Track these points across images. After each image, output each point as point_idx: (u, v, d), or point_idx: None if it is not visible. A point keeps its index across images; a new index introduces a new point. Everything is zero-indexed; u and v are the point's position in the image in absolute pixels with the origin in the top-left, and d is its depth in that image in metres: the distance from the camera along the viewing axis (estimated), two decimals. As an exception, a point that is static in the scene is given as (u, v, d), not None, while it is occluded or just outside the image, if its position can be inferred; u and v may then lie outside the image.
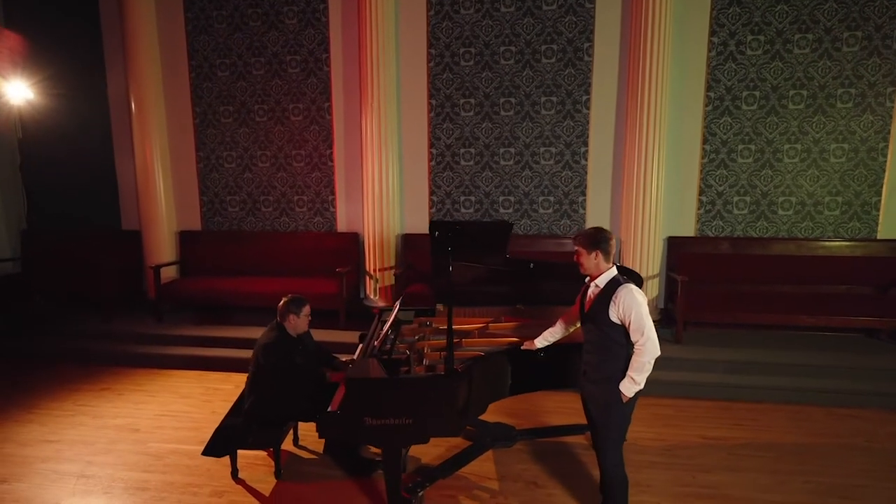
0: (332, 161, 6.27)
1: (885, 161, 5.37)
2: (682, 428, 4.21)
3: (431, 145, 6.06)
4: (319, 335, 5.11)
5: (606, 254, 2.75)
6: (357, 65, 5.90)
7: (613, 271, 2.78)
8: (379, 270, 6.10)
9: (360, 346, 4.16)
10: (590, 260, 2.77)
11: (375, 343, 3.36)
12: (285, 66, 6.19)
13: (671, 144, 5.53)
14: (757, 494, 3.38)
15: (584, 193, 5.89)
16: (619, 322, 2.69)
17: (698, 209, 5.73)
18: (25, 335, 6.07)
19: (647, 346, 2.62)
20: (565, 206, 5.94)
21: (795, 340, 5.37)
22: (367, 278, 6.17)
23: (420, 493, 3.22)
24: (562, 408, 4.55)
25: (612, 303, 2.68)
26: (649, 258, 5.58)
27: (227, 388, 5.03)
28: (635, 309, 2.62)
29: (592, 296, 2.81)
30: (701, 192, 5.69)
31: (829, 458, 3.80)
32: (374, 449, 3.75)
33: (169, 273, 6.42)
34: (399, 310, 3.58)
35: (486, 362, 3.17)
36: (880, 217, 5.46)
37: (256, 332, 5.66)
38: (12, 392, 4.94)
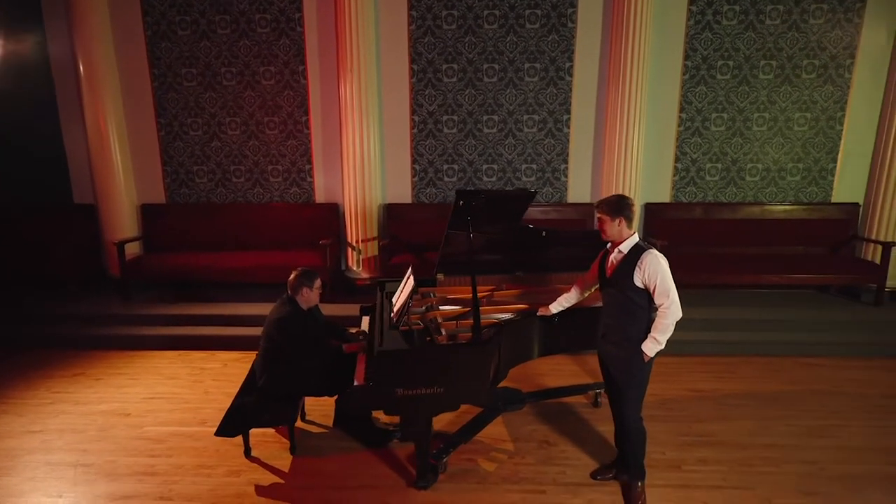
0: (308, 129, 6.01)
1: (842, 129, 5.77)
2: (672, 383, 4.48)
3: (413, 112, 5.92)
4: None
5: (629, 220, 2.83)
6: (333, 26, 5.61)
7: (636, 238, 2.87)
8: (361, 241, 5.99)
9: (365, 318, 4.14)
10: (613, 226, 2.84)
11: (393, 315, 3.32)
12: (254, 25, 5.80)
13: (650, 113, 5.68)
14: (747, 439, 3.68)
15: (566, 161, 5.97)
16: (642, 286, 2.79)
17: (674, 176, 5.96)
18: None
19: (672, 309, 2.74)
20: (548, 173, 6.01)
21: (760, 298, 5.77)
22: (349, 250, 6.04)
23: (444, 459, 3.28)
24: (555, 371, 4.72)
25: (637, 268, 2.77)
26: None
27: (214, 368, 4.86)
28: (660, 274, 2.73)
29: (615, 262, 2.89)
30: (676, 160, 5.91)
31: (802, 402, 4.17)
32: (385, 419, 3.77)
33: (132, 249, 6.01)
34: (411, 280, 3.53)
35: (512, 328, 3.22)
36: (835, 182, 5.89)
37: (239, 309, 5.53)
38: (-26, 382, 4.55)
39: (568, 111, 5.85)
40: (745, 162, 5.89)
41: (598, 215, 2.88)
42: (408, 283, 3.50)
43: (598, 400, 4.10)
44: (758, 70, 5.67)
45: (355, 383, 3.00)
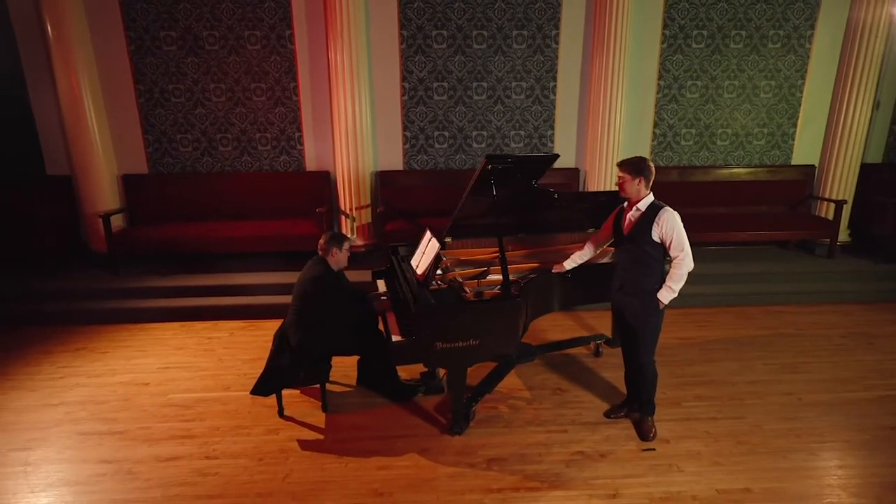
0: (296, 95, 5.94)
1: (802, 97, 6.25)
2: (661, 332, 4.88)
3: (404, 79, 5.95)
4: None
5: (648, 180, 3.09)
6: (320, -11, 5.52)
7: (651, 196, 3.14)
8: (355, 209, 6.05)
9: (380, 281, 4.27)
10: (633, 185, 3.09)
11: (420, 276, 3.48)
12: (236, -14, 5.61)
13: (631, 80, 5.96)
14: (732, 377, 4.13)
15: (552, 127, 6.20)
16: (658, 241, 3.08)
17: (652, 141, 6.30)
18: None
19: (686, 261, 3.06)
20: (535, 139, 6.22)
21: (727, 254, 6.29)
22: (342, 218, 6.10)
23: (473, 408, 3.53)
24: (554, 326, 5.05)
25: (655, 224, 3.05)
26: (610, 187, 6.10)
27: (221, 336, 4.89)
28: (676, 229, 3.02)
29: (633, 219, 3.16)
30: (655, 125, 6.25)
31: (774, 344, 4.69)
32: (404, 375, 3.98)
33: (115, 222, 5.81)
34: (434, 241, 3.66)
35: (536, 284, 3.46)
36: (795, 146, 6.41)
37: (238, 279, 5.55)
38: (-30, 361, 4.41)
39: (554, 78, 6.04)
40: (716, 127, 6.30)
41: (620, 174, 3.12)
42: (430, 245, 3.65)
43: (600, 350, 4.46)
44: (729, 39, 6.02)
45: (393, 339, 3.17)
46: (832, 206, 6.10)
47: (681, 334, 4.87)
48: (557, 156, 3.45)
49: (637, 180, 3.08)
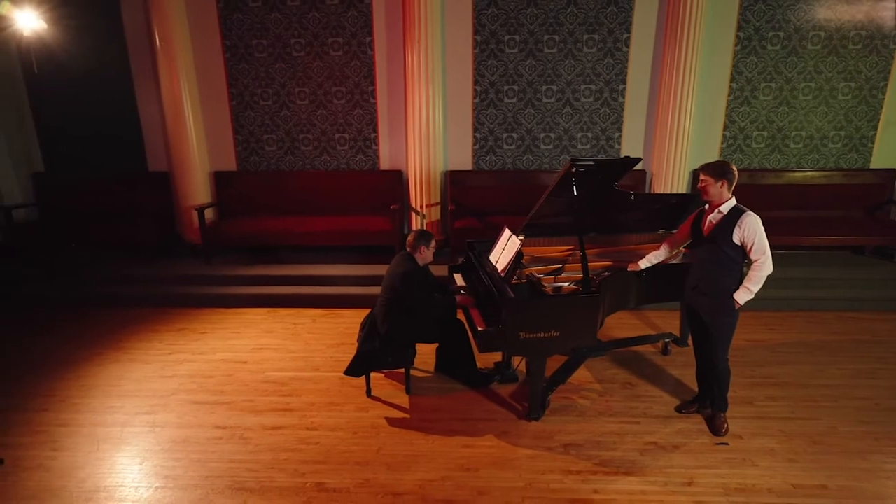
0: (374, 98, 6.29)
1: (884, 98, 6.07)
2: None
3: (475, 82, 6.19)
4: (379, 270, 5.39)
5: (731, 183, 3.19)
6: (400, -1, 5.84)
7: (734, 200, 3.24)
8: (426, 207, 6.35)
9: (456, 275, 4.53)
10: (716, 188, 3.20)
11: (501, 271, 3.71)
12: (322, -3, 6.01)
13: (702, 83, 5.97)
14: (805, 380, 4.15)
15: (619, 130, 6.28)
16: (739, 243, 3.18)
17: (721, 143, 6.28)
18: (66, 283, 5.95)
19: (767, 264, 3.15)
20: (602, 141, 6.33)
21: (799, 258, 6.19)
22: (413, 215, 6.41)
23: (549, 396, 3.74)
24: (620, 324, 5.16)
25: (737, 227, 3.15)
26: (676, 189, 6.13)
27: (305, 323, 5.29)
28: (758, 233, 3.12)
29: (714, 221, 3.27)
30: (725, 128, 6.23)
31: (848, 350, 4.64)
32: (481, 364, 4.22)
33: (207, 215, 6.35)
34: (514, 238, 3.87)
35: (613, 281, 3.63)
36: (875, 149, 6.23)
37: (319, 270, 5.95)
38: (90, 335, 4.98)
39: (623, 81, 6.12)
40: (790, 130, 6.21)
41: (703, 176, 3.23)
42: (510, 242, 3.87)
43: (668, 348, 4.56)
44: (807, 41, 5.93)
45: (479, 329, 3.42)
46: (914, 211, 5.92)
47: (750, 336, 4.88)
48: (639, 159, 3.60)
49: (720, 183, 3.19)
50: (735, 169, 3.20)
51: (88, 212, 6.45)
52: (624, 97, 6.17)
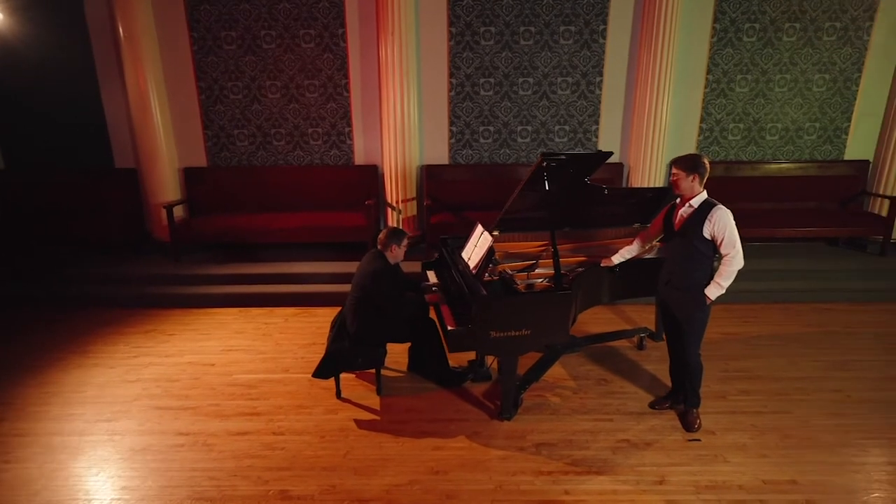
0: (347, 91, 6.15)
1: (857, 90, 6.09)
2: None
3: (451, 75, 6.08)
4: (354, 267, 5.29)
5: (702, 177, 3.14)
6: (372, -11, 5.70)
7: (705, 194, 3.19)
8: (401, 202, 6.24)
9: (430, 272, 4.45)
10: (687, 182, 3.15)
11: (473, 268, 3.63)
12: (292, -12, 5.84)
13: (679, 75, 5.93)
14: (778, 373, 4.15)
15: (597, 122, 6.23)
16: (710, 238, 3.14)
17: (698, 136, 6.26)
18: (30, 282, 5.76)
19: (736, 259, 3.11)
20: (579, 134, 6.27)
21: (774, 250, 6.22)
22: (389, 210, 6.30)
23: (521, 395, 3.68)
24: (596, 319, 5.13)
25: (707, 221, 3.10)
26: (653, 182, 6.10)
27: (277, 322, 5.17)
28: (728, 227, 3.08)
29: (685, 215, 3.22)
30: (702, 120, 6.21)
31: (822, 342, 4.65)
32: (453, 363, 4.15)
33: (175, 213, 6.17)
34: (486, 235, 3.80)
35: (586, 277, 3.58)
36: (848, 141, 6.26)
37: (291, 268, 5.81)
38: (55, 338, 4.81)
39: (600, 73, 6.06)
40: (765, 122, 6.21)
41: (674, 170, 3.18)
42: (482, 239, 3.79)
43: (643, 343, 4.53)
44: (782, 32, 5.91)
45: (448, 328, 3.34)
46: (886, 202, 5.95)
47: (725, 329, 4.88)
48: (610, 153, 3.53)
49: (691, 177, 3.14)
50: (707, 163, 3.15)
51: (53, 210, 6.23)
52: (601, 90, 6.11)
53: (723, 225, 3.08)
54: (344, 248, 6.19)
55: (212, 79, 6.11)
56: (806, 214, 6.15)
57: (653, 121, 5.95)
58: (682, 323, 3.34)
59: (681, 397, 3.59)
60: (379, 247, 3.71)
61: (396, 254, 3.71)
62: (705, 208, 3.14)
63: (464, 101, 6.16)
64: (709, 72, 6.04)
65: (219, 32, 5.96)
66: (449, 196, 6.27)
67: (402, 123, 5.96)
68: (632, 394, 3.88)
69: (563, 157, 3.33)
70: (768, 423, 3.51)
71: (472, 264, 3.69)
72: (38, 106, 6.21)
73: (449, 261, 4.07)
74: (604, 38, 5.94)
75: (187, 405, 3.80)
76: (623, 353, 4.50)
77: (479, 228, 3.91)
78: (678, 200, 3.30)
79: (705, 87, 6.10)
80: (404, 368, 4.23)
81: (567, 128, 6.24)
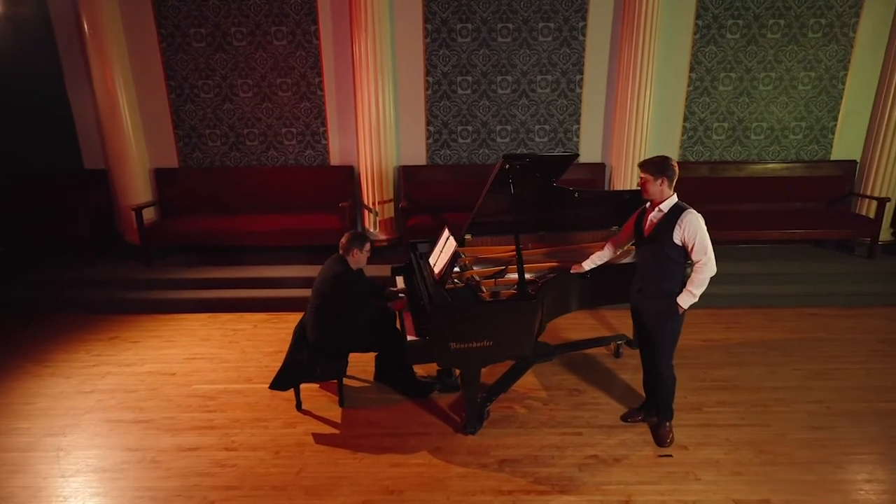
0: (321, 90, 5.98)
1: (843, 88, 5.94)
2: (685, 334, 4.60)
3: (427, 73, 5.92)
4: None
5: (671, 180, 2.99)
6: (345, -16, 5.53)
7: (675, 198, 3.04)
8: (378, 203, 6.08)
9: (399, 277, 4.30)
10: (655, 186, 3.00)
11: (437, 274, 3.48)
12: (263, -17, 5.67)
13: (661, 73, 5.78)
14: (758, 383, 4.00)
15: (578, 122, 6.07)
16: (680, 243, 2.99)
17: (682, 135, 6.12)
18: (-4, 287, 5.60)
19: (708, 266, 2.96)
20: (560, 134, 6.12)
21: (759, 252, 6.07)
22: (366, 212, 6.14)
23: (487, 408, 3.53)
24: (574, 325, 4.98)
25: (677, 226, 2.95)
26: (637, 183, 5.95)
27: (245, 329, 5.01)
28: (699, 232, 2.93)
29: (655, 220, 3.07)
30: (685, 119, 6.06)
31: (804, 349, 4.51)
32: (421, 372, 4.00)
33: (147, 215, 6.00)
34: (451, 240, 3.66)
35: (553, 284, 3.42)
36: (835, 140, 6.11)
37: (264, 271, 5.65)
38: (12, 346, 4.65)
39: (581, 71, 5.90)
40: (750, 121, 6.06)
41: (642, 175, 3.03)
42: (447, 244, 3.64)
43: (620, 351, 4.39)
44: (766, 29, 5.76)
45: (408, 338, 3.19)
46: (874, 203, 5.82)
47: (705, 336, 4.74)
48: (576, 155, 3.38)
49: (659, 181, 2.99)
50: (675, 165, 3.00)
51: (22, 212, 6.04)
52: (581, 88, 5.96)
53: (693, 230, 2.93)
54: (318, 252, 5.96)
55: (181, 77, 5.94)
56: (792, 216, 6.01)
57: (635, 120, 5.80)
58: (653, 332, 3.19)
59: (654, 409, 3.45)
60: (340, 251, 3.55)
61: (358, 258, 3.56)
62: (675, 213, 2.99)
63: (441, 101, 6.00)
64: (692, 70, 5.89)
65: (188, 29, 5.78)
66: (427, 197, 6.11)
67: (377, 123, 5.80)
68: (604, 405, 3.74)
69: (527, 158, 3.17)
70: (744, 437, 3.37)
71: (437, 270, 3.54)
72: (4, 107, 6.02)
73: (416, 266, 3.92)
74: (583, 34, 5.78)
75: (140, 418, 3.64)
76: (599, 361, 4.35)
77: (446, 233, 3.76)
78: (648, 204, 3.15)
79: (688, 86, 5.95)
80: (372, 378, 4.08)
81: (547, 127, 6.08)
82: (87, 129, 6.12)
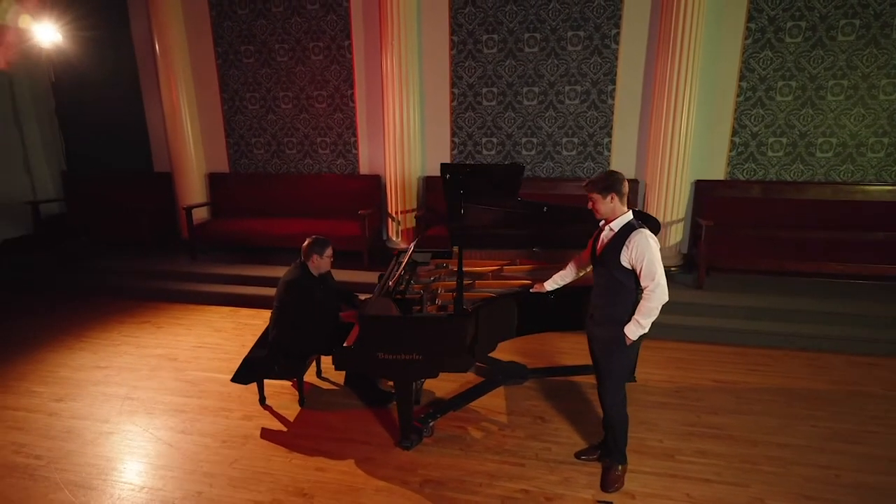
0: (353, 102, 6.23)
1: (941, 98, 4.99)
2: (695, 371, 4.27)
3: (453, 85, 5.92)
4: (344, 276, 5.32)
5: (622, 195, 2.71)
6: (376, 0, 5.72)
7: (629, 215, 2.75)
8: (401, 212, 6.17)
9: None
10: (606, 204, 2.74)
11: (390, 283, 3.46)
12: (304, 2, 6.04)
13: (704, 82, 5.25)
14: (760, 436, 3.45)
15: (609, 135, 5.71)
16: (629, 267, 2.69)
17: (730, 151, 5.49)
18: (70, 271, 6.48)
19: (657, 293, 2.63)
20: (590, 147, 5.78)
21: (821, 287, 5.24)
22: (389, 220, 6.26)
23: (431, 424, 3.42)
24: (575, 349, 4.65)
25: (625, 247, 2.67)
26: (675, 202, 5.44)
27: (256, 324, 5.31)
28: (647, 255, 2.61)
29: (606, 239, 2.80)
30: (734, 133, 5.44)
31: (841, 404, 3.80)
32: (389, 382, 3.96)
33: (201, 214, 6.64)
34: (414, 251, 3.66)
35: (492, 304, 3.25)
36: (929, 159, 5.14)
37: (283, 272, 5.94)
38: (64, 322, 5.35)
39: (613, 81, 5.55)
40: (815, 136, 5.29)
41: (589, 195, 2.79)
42: (408, 255, 3.61)
43: (606, 382, 4.01)
44: (836, 31, 5.01)
45: (343, 344, 3.19)
46: (976, 237, 4.78)
47: (720, 376, 4.18)
48: (521, 167, 3.20)
49: (608, 197, 2.73)
50: (623, 177, 2.72)
51: (102, 208, 6.98)
52: (613, 99, 5.60)
53: (640, 252, 2.63)
54: (342, 257, 6.22)
55: (233, 90, 6.51)
56: (869, 247, 5.12)
57: (673, 134, 5.30)
58: (600, 361, 2.90)
59: (606, 451, 3.11)
60: (301, 257, 3.66)
61: (318, 264, 3.64)
62: (625, 232, 2.70)
63: (466, 112, 5.96)
64: (742, 78, 5.28)
65: (239, 47, 6.33)
66: (449, 209, 6.07)
67: (402, 134, 5.90)
68: (564, 439, 3.44)
69: (468, 168, 3.06)
70: (709, 497, 2.91)
71: (394, 278, 3.52)
72: (94, 116, 7.02)
73: (386, 275, 3.92)
74: (616, 42, 5.44)
75: (130, 395, 4.01)
76: (581, 390, 4.01)
77: (412, 245, 3.73)
78: (601, 223, 2.88)
79: (738, 96, 5.34)
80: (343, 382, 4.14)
81: (576, 140, 5.78)
82: (157, 137, 6.92)
